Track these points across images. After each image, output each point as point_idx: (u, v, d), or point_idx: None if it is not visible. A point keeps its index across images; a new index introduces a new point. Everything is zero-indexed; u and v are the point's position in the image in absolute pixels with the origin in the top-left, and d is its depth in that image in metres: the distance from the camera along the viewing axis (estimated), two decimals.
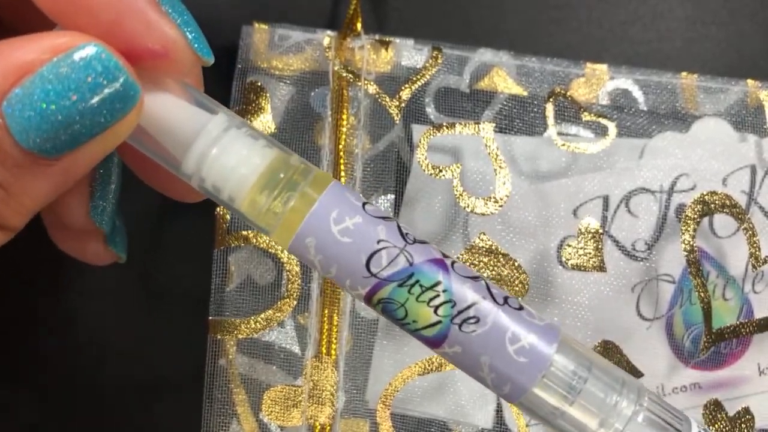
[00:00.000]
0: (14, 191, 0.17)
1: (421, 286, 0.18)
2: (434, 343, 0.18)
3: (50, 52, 0.16)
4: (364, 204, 0.18)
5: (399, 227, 0.18)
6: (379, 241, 0.18)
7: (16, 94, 0.16)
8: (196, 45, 0.18)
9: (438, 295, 0.18)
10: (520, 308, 0.18)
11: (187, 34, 0.18)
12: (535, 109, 0.31)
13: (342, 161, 0.29)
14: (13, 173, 0.16)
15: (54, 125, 0.16)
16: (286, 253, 0.29)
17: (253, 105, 0.30)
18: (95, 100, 0.16)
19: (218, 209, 0.29)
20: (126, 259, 0.25)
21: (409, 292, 0.18)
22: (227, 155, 0.18)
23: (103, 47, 0.16)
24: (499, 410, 0.30)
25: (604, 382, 0.18)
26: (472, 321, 0.18)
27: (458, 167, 0.29)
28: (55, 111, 0.16)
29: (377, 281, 0.18)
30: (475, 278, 0.18)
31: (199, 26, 0.18)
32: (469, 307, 0.18)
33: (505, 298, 0.18)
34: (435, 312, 0.18)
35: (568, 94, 0.31)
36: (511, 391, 0.18)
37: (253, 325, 0.28)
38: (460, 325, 0.18)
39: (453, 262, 0.18)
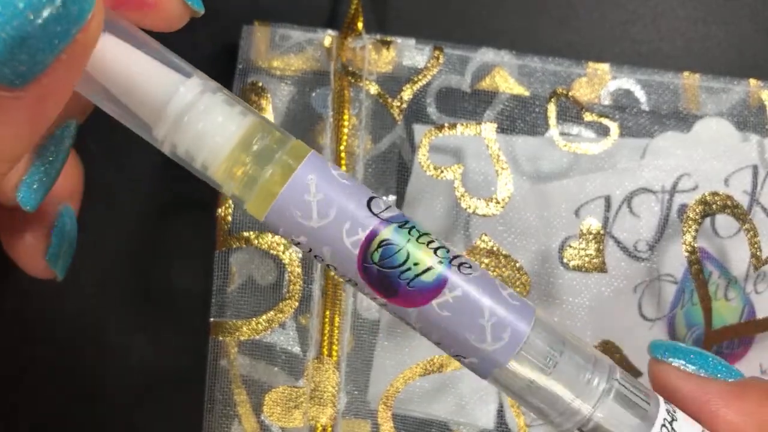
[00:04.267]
0: None
1: (417, 230, 0.18)
2: (434, 289, 0.18)
3: None
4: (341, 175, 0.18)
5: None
6: (372, 192, 0.18)
7: None
8: None
9: (433, 241, 0.18)
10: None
11: None
12: (537, 110, 0.31)
13: (343, 162, 0.29)
14: None
15: (7, 43, 0.14)
16: (287, 254, 0.29)
17: (254, 105, 0.29)
18: (46, 5, 0.15)
19: (219, 210, 0.29)
20: (62, 279, 0.24)
21: (409, 233, 0.17)
22: (202, 121, 0.17)
23: None
24: (500, 410, 0.30)
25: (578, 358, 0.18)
26: (466, 266, 0.18)
27: (460, 168, 0.29)
28: (3, 23, 0.14)
29: (379, 221, 0.17)
30: None
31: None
32: (459, 255, 0.18)
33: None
34: (435, 253, 0.18)
35: (570, 94, 0.31)
36: (510, 338, 0.18)
37: (255, 327, 0.28)
38: (459, 267, 0.18)
39: None
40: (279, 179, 0.17)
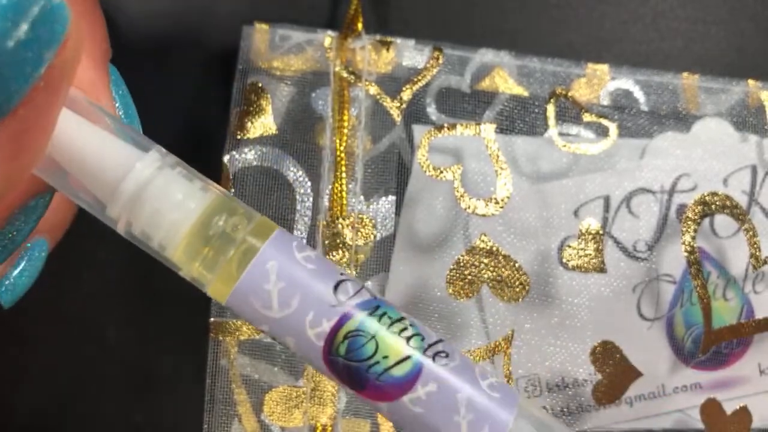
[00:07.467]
0: None
1: (389, 317, 0.16)
2: (406, 384, 0.16)
3: None
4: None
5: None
6: (341, 273, 0.17)
7: None
8: None
9: (406, 328, 0.16)
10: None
11: None
12: (536, 110, 0.31)
13: (343, 162, 0.29)
14: None
15: None
16: None
17: (254, 106, 0.29)
18: (10, 32, 0.13)
19: None
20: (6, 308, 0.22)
21: (379, 321, 0.16)
22: (159, 198, 0.16)
23: None
24: None
25: None
26: (443, 355, 0.16)
27: (459, 168, 0.29)
28: None
29: (346, 310, 0.16)
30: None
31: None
32: (437, 341, 0.17)
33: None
34: (407, 343, 0.16)
35: (569, 94, 0.31)
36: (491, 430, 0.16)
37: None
38: (434, 357, 0.16)
39: None
40: (240, 262, 0.16)
